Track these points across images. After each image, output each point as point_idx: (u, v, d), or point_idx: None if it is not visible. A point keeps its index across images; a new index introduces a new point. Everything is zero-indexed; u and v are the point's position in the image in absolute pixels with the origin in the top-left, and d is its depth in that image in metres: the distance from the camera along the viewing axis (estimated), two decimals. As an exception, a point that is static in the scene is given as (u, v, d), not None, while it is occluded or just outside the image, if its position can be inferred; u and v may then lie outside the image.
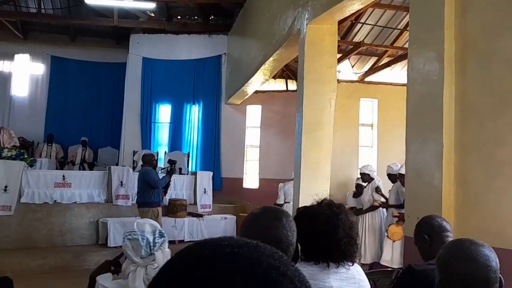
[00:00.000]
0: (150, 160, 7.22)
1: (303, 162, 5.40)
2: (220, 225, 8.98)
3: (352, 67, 9.76)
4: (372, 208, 6.86)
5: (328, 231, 1.76)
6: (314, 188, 5.14)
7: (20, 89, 12.96)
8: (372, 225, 6.92)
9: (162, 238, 2.16)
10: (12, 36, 12.43)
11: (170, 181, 7.43)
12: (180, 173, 10.38)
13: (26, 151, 9.09)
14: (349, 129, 9.42)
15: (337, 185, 8.43)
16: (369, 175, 7.15)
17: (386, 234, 5.92)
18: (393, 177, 6.75)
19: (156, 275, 0.55)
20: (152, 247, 2.11)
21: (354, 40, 8.72)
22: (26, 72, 12.96)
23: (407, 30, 7.81)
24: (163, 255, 2.12)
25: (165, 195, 7.58)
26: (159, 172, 10.43)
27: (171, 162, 7.46)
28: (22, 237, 7.27)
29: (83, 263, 7.06)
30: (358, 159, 9.60)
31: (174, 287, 0.51)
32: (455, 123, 3.19)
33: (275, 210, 1.65)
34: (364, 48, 8.81)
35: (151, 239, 2.12)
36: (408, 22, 7.26)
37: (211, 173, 10.11)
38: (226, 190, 11.19)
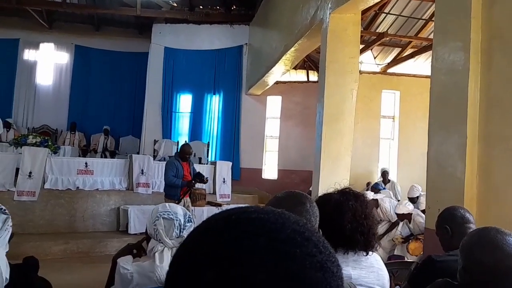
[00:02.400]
0: (181, 152, 7.01)
1: (323, 153, 5.37)
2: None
3: (375, 58, 9.63)
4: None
5: (334, 216, 1.76)
6: (334, 179, 5.11)
7: (44, 77, 13.19)
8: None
9: (190, 223, 2.20)
10: (38, 25, 12.65)
11: (187, 187, 6.85)
12: (200, 162, 10.46)
13: (50, 138, 9.25)
14: (370, 121, 9.33)
15: (357, 176, 8.37)
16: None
17: (408, 252, 5.77)
18: (414, 199, 6.70)
19: (186, 238, 0.57)
20: (182, 229, 2.14)
21: (377, 31, 8.59)
22: (50, 61, 13.17)
23: (432, 21, 7.68)
24: None
25: (185, 196, 6.89)
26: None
27: (198, 176, 6.90)
28: (45, 222, 7.41)
29: (104, 249, 7.18)
30: (378, 151, 9.52)
31: (202, 248, 0.52)
32: (479, 115, 3.13)
33: (299, 195, 1.65)
34: (388, 39, 8.68)
35: (182, 221, 2.16)
36: (433, 12, 7.14)
37: (231, 163, 10.14)
38: (245, 180, 11.23)
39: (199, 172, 6.96)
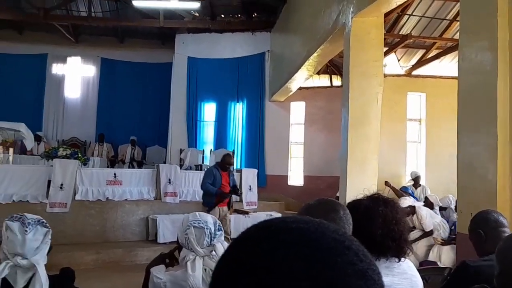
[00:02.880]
0: (222, 161, 7.07)
1: (349, 158, 5.33)
2: (266, 222, 9.00)
3: (399, 60, 9.52)
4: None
5: (363, 222, 1.74)
6: (361, 184, 5.07)
7: (72, 91, 13.53)
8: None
9: (220, 231, 2.22)
10: (65, 40, 13.01)
11: (220, 196, 6.85)
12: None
13: (79, 150, 9.46)
14: (396, 124, 9.20)
15: (384, 181, 8.28)
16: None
17: None
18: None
19: (227, 248, 0.58)
20: (212, 238, 2.16)
21: (400, 33, 8.50)
22: (78, 74, 13.52)
23: (457, 21, 7.56)
24: (223, 247, 2.16)
25: (221, 205, 6.83)
26: (205, 169, 10.64)
27: (234, 189, 6.93)
28: (76, 232, 7.56)
29: (134, 258, 7.28)
30: (405, 155, 9.38)
31: (242, 257, 0.53)
32: (510, 115, 3.06)
33: (332, 202, 1.65)
34: (411, 40, 8.57)
35: (212, 230, 2.18)
36: (458, 12, 7.03)
37: (256, 171, 10.15)
38: (271, 187, 11.22)
39: (234, 185, 7.05)
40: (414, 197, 8.14)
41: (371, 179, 5.19)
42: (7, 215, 2.02)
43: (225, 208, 6.87)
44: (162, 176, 8.60)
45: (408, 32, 8.41)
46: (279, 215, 9.33)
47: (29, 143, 8.46)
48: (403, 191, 8.21)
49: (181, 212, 8.43)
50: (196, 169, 10.64)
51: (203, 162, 11.38)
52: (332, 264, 0.51)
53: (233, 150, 11.64)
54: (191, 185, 9.16)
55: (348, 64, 5.53)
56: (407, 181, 8.96)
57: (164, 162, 11.37)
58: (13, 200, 7.39)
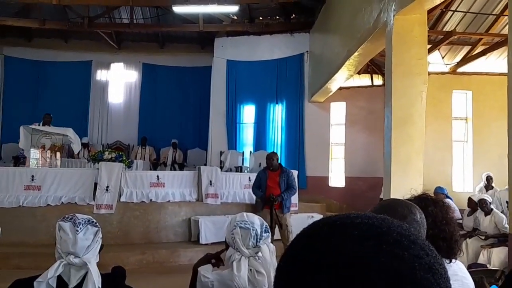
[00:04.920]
0: (267, 160, 7.07)
1: (393, 159, 5.22)
2: (307, 224, 8.93)
3: (443, 57, 9.26)
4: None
5: None
6: (406, 185, 4.94)
7: (116, 96, 13.92)
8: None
9: (267, 233, 2.21)
10: (108, 47, 13.43)
11: (261, 200, 6.89)
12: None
13: (123, 153, 9.72)
14: (441, 123, 8.96)
15: (430, 182, 8.03)
16: None
17: None
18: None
19: (290, 245, 0.58)
20: (258, 239, 2.16)
21: (444, 29, 8.26)
22: (121, 79, 13.89)
23: (505, 15, 7.29)
24: (269, 249, 2.16)
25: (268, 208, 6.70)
26: (246, 171, 10.72)
27: (272, 198, 6.68)
28: (122, 233, 7.76)
29: (178, 259, 7.40)
30: (451, 155, 9.11)
31: (310, 253, 0.54)
32: None
33: (409, 204, 1.62)
34: (456, 37, 8.31)
35: (259, 231, 2.17)
36: (505, 5, 6.77)
37: (296, 172, 10.10)
38: (312, 189, 11.14)
39: (271, 194, 6.66)
40: (448, 197, 7.90)
41: (416, 180, 5.06)
42: (57, 216, 2.11)
43: (278, 210, 6.57)
44: (203, 178, 8.70)
45: (453, 28, 8.17)
46: (321, 216, 9.17)
47: (76, 147, 8.76)
48: (438, 193, 7.95)
49: (222, 214, 8.52)
50: (236, 171, 10.71)
51: (243, 164, 11.45)
52: (399, 257, 0.51)
53: (273, 152, 11.61)
54: (231, 187, 9.22)
55: (390, 63, 5.42)
56: (479, 184, 8.61)
57: (205, 164, 11.50)
58: (62, 202, 7.66)
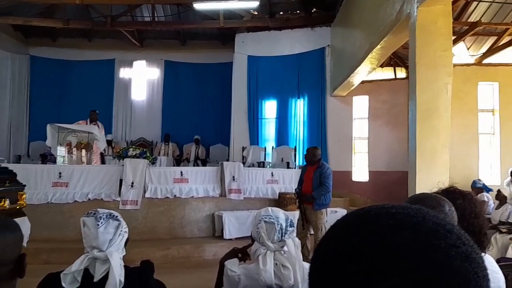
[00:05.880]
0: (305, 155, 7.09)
1: (418, 152, 5.15)
2: (331, 218, 8.90)
3: (468, 49, 9.07)
4: None
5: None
6: (431, 179, 4.88)
7: (138, 93, 14.10)
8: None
9: (292, 228, 2.22)
10: (130, 45, 13.61)
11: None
12: (288, 167, 10.53)
13: (147, 150, 9.85)
14: (467, 116, 8.79)
15: (456, 175, 7.90)
16: None
17: None
18: None
19: (326, 235, 0.59)
20: (283, 234, 2.17)
21: (469, 20, 8.09)
22: (143, 77, 14.05)
23: (533, 4, 7.09)
24: (294, 243, 2.16)
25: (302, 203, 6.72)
26: (268, 166, 10.73)
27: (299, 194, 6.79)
28: (147, 229, 7.87)
29: (202, 254, 7.47)
30: (478, 148, 8.93)
31: (345, 243, 0.55)
32: None
33: (438, 198, 1.61)
34: (481, 28, 8.13)
35: (284, 225, 2.18)
36: (534, -6, 6.58)
37: (328, 169, 10.02)
38: (335, 183, 10.92)
39: (295, 189, 6.93)
40: (487, 189, 7.76)
41: (442, 174, 4.98)
42: (84, 213, 2.17)
43: (309, 207, 6.57)
44: (226, 173, 8.75)
45: (478, 19, 7.99)
46: (344, 211, 9.21)
47: (102, 144, 8.90)
48: (476, 188, 7.82)
49: (246, 209, 8.57)
50: (259, 166, 10.73)
51: (265, 159, 11.46)
52: (435, 246, 0.51)
53: (295, 147, 11.61)
54: (254, 182, 9.26)
55: (414, 56, 5.33)
56: (506, 178, 8.43)
57: (227, 160, 11.55)
58: (89, 199, 7.83)
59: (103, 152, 9.04)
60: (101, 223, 2.05)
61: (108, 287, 1.97)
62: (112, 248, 2.05)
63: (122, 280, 2.01)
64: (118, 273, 2.00)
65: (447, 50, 5.33)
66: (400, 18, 5.98)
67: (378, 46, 7.23)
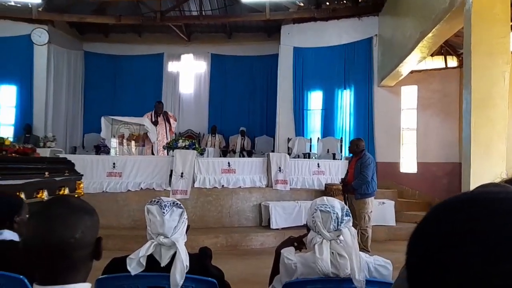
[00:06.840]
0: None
1: (473, 142, 5.01)
2: (379, 210, 8.81)
3: (526, 35, 8.65)
4: None
5: None
6: (487, 170, 4.76)
7: (186, 86, 14.39)
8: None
9: (348, 217, 2.22)
10: (178, 39, 13.89)
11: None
12: (334, 158, 10.47)
13: (196, 141, 10.07)
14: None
15: (512, 167, 7.63)
16: None
17: None
18: None
19: (425, 219, 0.60)
20: (340, 223, 2.18)
21: (528, 5, 7.71)
22: (191, 70, 14.32)
23: None
24: (350, 232, 2.18)
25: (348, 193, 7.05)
26: (314, 157, 10.72)
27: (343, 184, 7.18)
28: (197, 218, 8.08)
29: (250, 242, 7.61)
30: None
31: (455, 226, 0.55)
32: None
33: (503, 186, 1.59)
34: (541, 12, 7.74)
35: (339, 214, 2.20)
36: None
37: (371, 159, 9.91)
38: (382, 175, 10.85)
39: (340, 179, 7.43)
40: None
41: (498, 164, 4.84)
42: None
43: (352, 196, 6.87)
44: (272, 164, 8.83)
45: (538, 3, 7.60)
46: (392, 202, 9.10)
47: (153, 136, 9.18)
48: None
49: (292, 199, 8.63)
50: (304, 157, 10.74)
51: (310, 150, 11.45)
52: None
53: (341, 138, 11.51)
54: (300, 173, 9.28)
55: (469, 43, 5.17)
56: None
57: (273, 151, 11.62)
58: (141, 188, 8.13)
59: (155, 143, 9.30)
60: (166, 210, 2.16)
61: (176, 271, 2.07)
62: (177, 235, 2.16)
63: (188, 264, 2.12)
64: (185, 258, 2.10)
65: (505, 37, 5.13)
66: (454, 5, 5.80)
67: (430, 35, 7.04)
